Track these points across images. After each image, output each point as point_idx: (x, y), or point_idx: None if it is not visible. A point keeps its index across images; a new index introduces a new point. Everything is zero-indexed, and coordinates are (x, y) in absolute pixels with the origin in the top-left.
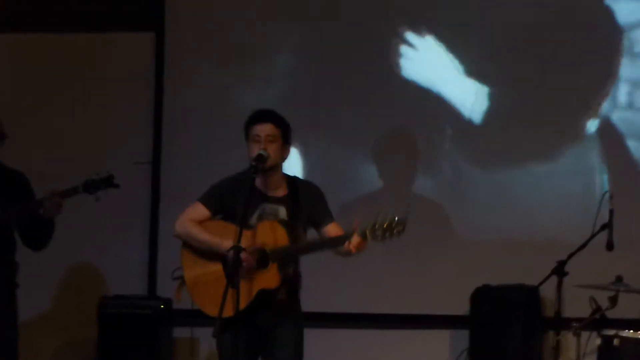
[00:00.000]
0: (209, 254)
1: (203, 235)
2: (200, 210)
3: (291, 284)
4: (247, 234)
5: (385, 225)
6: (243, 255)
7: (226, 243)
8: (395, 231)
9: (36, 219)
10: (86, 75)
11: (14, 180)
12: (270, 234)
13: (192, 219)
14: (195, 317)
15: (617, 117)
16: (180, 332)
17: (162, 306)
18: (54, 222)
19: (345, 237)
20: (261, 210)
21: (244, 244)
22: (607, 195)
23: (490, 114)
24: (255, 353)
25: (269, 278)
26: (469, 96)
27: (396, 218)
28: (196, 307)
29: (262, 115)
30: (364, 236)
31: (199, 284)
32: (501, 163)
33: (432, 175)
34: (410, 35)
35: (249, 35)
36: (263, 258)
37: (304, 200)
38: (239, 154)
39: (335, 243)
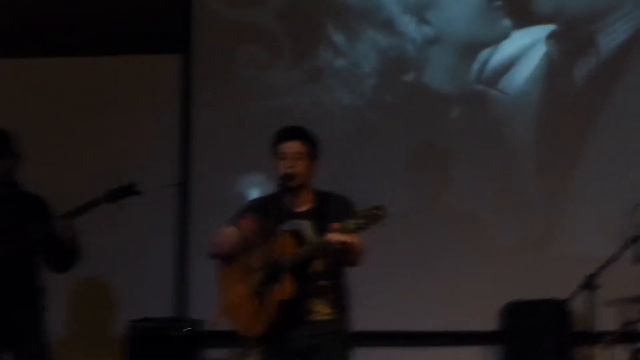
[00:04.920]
0: (241, 275)
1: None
2: (230, 230)
3: (332, 298)
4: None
5: (364, 213)
6: None
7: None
8: (375, 216)
9: (54, 242)
10: (114, 99)
11: (34, 205)
12: (281, 245)
13: (223, 236)
14: (229, 339)
15: None
16: (215, 354)
17: (190, 328)
18: (74, 243)
19: (324, 237)
20: (288, 225)
21: (261, 258)
22: (638, 207)
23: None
24: None
25: (283, 289)
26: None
27: (375, 204)
28: (227, 328)
29: (288, 133)
30: (348, 227)
31: (234, 306)
32: (530, 176)
33: (460, 188)
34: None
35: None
36: (276, 271)
37: (332, 212)
38: (268, 175)
39: (319, 246)
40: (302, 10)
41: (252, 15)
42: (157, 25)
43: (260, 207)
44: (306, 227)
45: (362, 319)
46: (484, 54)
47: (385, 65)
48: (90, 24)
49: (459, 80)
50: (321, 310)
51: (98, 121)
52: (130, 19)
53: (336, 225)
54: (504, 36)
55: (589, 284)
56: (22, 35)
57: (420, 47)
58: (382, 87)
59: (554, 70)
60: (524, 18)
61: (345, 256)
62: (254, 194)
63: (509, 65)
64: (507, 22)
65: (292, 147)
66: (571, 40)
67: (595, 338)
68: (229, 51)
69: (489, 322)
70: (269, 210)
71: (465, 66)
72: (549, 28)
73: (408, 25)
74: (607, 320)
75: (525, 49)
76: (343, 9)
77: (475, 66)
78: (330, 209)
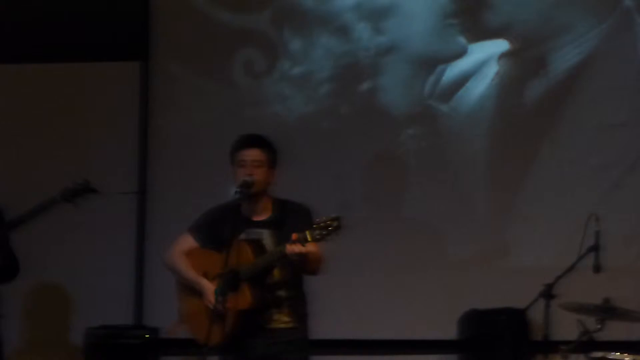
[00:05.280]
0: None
1: (188, 274)
2: (189, 241)
3: (290, 307)
4: (221, 257)
5: (322, 224)
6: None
7: (206, 284)
8: (331, 228)
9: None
10: (74, 105)
11: None
12: (237, 254)
13: (181, 250)
14: (187, 347)
15: None
16: None
17: (146, 336)
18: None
19: (283, 248)
20: (246, 234)
21: (221, 269)
22: (594, 217)
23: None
24: None
25: (242, 299)
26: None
27: (332, 215)
28: (184, 336)
29: (248, 140)
30: (305, 238)
31: (192, 314)
32: (485, 189)
33: (417, 199)
34: None
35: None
36: (234, 280)
37: (291, 221)
38: (226, 182)
39: (278, 256)
40: (260, 18)
41: (210, 24)
42: (117, 33)
43: (218, 215)
44: (265, 236)
45: (321, 328)
46: (438, 69)
47: (339, 73)
48: (50, 32)
49: (413, 93)
50: (280, 319)
51: (57, 128)
52: (90, 26)
53: (295, 235)
54: (459, 53)
55: (547, 293)
56: None
57: (374, 56)
58: (336, 95)
59: (506, 88)
60: (478, 36)
61: (304, 266)
62: (212, 201)
63: (462, 82)
64: (461, 40)
65: (252, 154)
66: (523, 59)
67: (552, 347)
68: (187, 59)
69: (447, 331)
70: (227, 219)
71: (419, 79)
72: (502, 47)
73: (363, 33)
74: (565, 330)
75: (478, 66)
76: (299, 15)
77: (430, 81)
78: (289, 218)
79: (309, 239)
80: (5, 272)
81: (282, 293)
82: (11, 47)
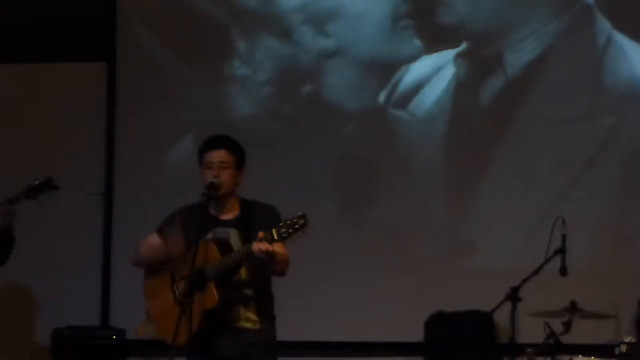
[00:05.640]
0: (166, 283)
1: (151, 254)
2: (155, 240)
3: (257, 307)
4: (187, 256)
5: (288, 222)
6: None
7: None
8: (297, 226)
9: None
10: (39, 106)
11: None
12: (204, 253)
13: (147, 243)
14: (154, 347)
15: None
16: None
17: (114, 337)
18: (11, 234)
19: (249, 246)
20: (213, 233)
21: (186, 267)
22: (560, 220)
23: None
24: None
25: (208, 298)
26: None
27: (297, 214)
28: (150, 337)
29: (215, 142)
30: (271, 236)
31: (159, 314)
32: (448, 189)
33: (381, 202)
34: None
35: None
36: (201, 279)
37: (257, 221)
38: (193, 183)
39: (244, 255)
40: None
41: (172, 25)
42: (82, 33)
43: (185, 215)
44: (232, 235)
45: (289, 329)
46: (392, 73)
47: (282, 75)
48: (17, 32)
49: (363, 96)
50: (247, 318)
51: (22, 128)
52: (56, 26)
53: (262, 233)
54: (412, 56)
55: (513, 296)
56: None
57: (317, 59)
58: (279, 97)
59: (463, 88)
60: (432, 37)
61: (270, 265)
62: (178, 203)
63: (418, 86)
64: (416, 41)
65: (219, 156)
66: (478, 59)
67: (519, 350)
68: (150, 59)
69: (414, 333)
70: (194, 219)
71: (371, 82)
72: (456, 48)
73: (306, 35)
74: (531, 332)
75: (434, 68)
76: (245, 15)
77: (383, 84)
78: (255, 217)
79: (276, 237)
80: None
81: (249, 292)
82: None
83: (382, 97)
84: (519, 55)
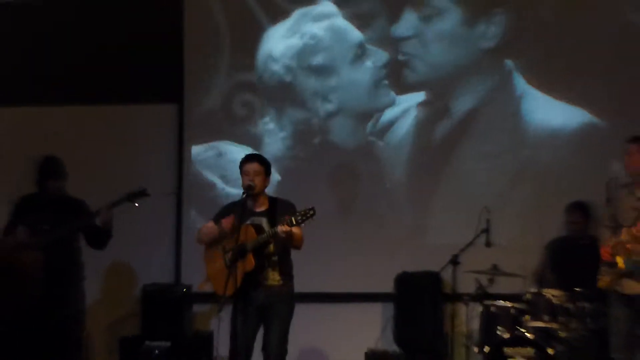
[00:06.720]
0: (218, 254)
1: (211, 231)
2: (212, 226)
3: (281, 270)
4: (236, 236)
5: (302, 212)
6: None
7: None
8: (308, 215)
9: (96, 229)
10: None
11: (77, 205)
12: (245, 233)
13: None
14: (211, 297)
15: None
16: (198, 308)
17: (184, 289)
18: (110, 229)
19: (276, 229)
20: (250, 220)
21: (232, 243)
22: (485, 209)
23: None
24: (257, 324)
25: (247, 264)
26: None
27: (309, 207)
28: (208, 291)
29: (250, 157)
30: (290, 222)
31: (214, 275)
32: (407, 195)
33: (369, 200)
34: None
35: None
36: (243, 251)
37: (280, 211)
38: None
39: (272, 235)
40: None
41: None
42: (155, 78)
43: (232, 208)
44: (264, 222)
45: (301, 284)
46: (375, 117)
47: (298, 131)
48: (97, 77)
49: (356, 137)
50: (274, 278)
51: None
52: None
53: (284, 219)
54: (388, 104)
55: (454, 260)
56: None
57: (324, 118)
58: (301, 142)
59: (422, 127)
60: (403, 91)
61: (290, 242)
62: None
63: (392, 124)
64: (391, 94)
65: (253, 167)
66: (433, 107)
67: (457, 297)
68: (215, 99)
69: (387, 286)
70: (238, 210)
71: (361, 127)
72: (419, 98)
73: (315, 103)
74: (466, 286)
75: (403, 112)
76: (272, 91)
77: (370, 124)
78: (279, 209)
79: (294, 222)
80: (102, 243)
81: (275, 259)
82: (61, 91)
83: (368, 135)
84: (461, 104)
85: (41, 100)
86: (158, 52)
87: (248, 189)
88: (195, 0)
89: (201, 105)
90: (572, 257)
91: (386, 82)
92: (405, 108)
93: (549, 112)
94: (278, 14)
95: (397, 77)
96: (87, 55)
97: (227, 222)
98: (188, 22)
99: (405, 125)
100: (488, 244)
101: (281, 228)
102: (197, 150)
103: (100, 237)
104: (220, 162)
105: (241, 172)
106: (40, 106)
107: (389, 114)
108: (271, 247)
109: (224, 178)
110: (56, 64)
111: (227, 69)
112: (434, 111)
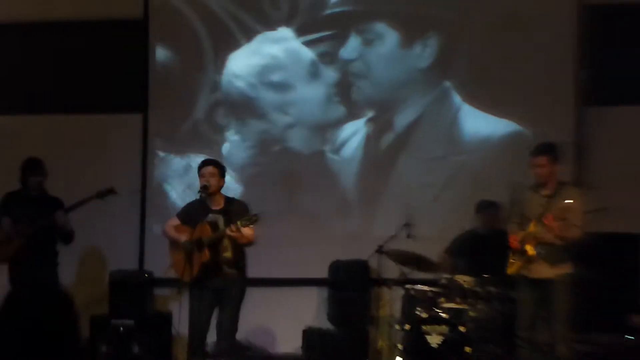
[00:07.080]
0: (179, 245)
1: (173, 234)
2: (175, 221)
3: (234, 260)
4: (193, 230)
5: (247, 218)
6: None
7: (183, 238)
8: (252, 220)
9: (58, 228)
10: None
11: (53, 202)
12: (200, 230)
13: (171, 225)
14: (172, 282)
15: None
16: (159, 291)
17: (146, 275)
18: (67, 230)
19: (226, 229)
20: (208, 217)
21: (189, 237)
22: (410, 212)
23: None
24: (213, 305)
25: (203, 256)
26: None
27: (254, 213)
28: (169, 276)
29: (206, 162)
30: (237, 226)
31: (176, 262)
32: (356, 200)
33: (318, 200)
34: None
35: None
36: (200, 245)
37: (234, 210)
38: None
39: (223, 232)
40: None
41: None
42: (120, 89)
43: (191, 206)
44: (219, 219)
45: (250, 271)
46: (327, 131)
47: (260, 141)
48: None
49: (310, 146)
50: (228, 268)
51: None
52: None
53: (232, 225)
54: (339, 119)
55: (380, 250)
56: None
57: (283, 129)
58: (258, 153)
59: (369, 140)
60: (350, 108)
61: (239, 241)
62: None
63: (344, 138)
64: (341, 110)
65: (208, 169)
66: (379, 121)
67: (383, 282)
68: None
69: (322, 273)
70: (196, 209)
71: (316, 138)
72: (368, 114)
73: (275, 116)
74: (390, 272)
75: (352, 129)
76: (236, 104)
77: (322, 138)
78: (233, 209)
79: (239, 225)
80: (63, 240)
81: (228, 254)
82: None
83: (322, 146)
84: (403, 118)
85: (18, 110)
86: (124, 65)
87: (204, 188)
88: (161, 17)
89: (167, 115)
90: (482, 248)
91: (337, 98)
92: (355, 125)
93: (480, 123)
94: (244, 34)
95: (346, 94)
96: (59, 66)
97: (184, 232)
98: (152, 36)
99: (355, 141)
100: (409, 236)
101: (229, 231)
102: (161, 155)
103: (60, 236)
104: (182, 166)
105: (199, 175)
106: (16, 115)
107: (341, 130)
108: (225, 242)
109: (183, 179)
110: (32, 75)
111: (196, 84)
112: (379, 127)
